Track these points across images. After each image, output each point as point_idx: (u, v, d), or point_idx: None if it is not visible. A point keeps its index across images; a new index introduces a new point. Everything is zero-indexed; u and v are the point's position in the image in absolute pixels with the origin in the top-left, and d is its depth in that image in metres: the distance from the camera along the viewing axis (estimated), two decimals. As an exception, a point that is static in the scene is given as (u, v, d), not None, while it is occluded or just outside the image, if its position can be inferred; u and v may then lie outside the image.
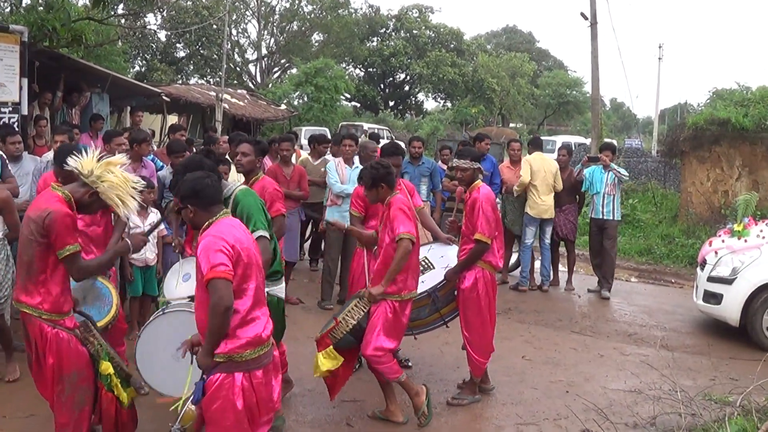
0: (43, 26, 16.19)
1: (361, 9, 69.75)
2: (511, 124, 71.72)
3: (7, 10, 22.35)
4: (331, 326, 7.43)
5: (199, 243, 5.29)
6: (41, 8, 17.62)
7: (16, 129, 12.22)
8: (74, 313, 6.15)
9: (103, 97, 19.43)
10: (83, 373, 5.87)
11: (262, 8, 65.22)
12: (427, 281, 8.51)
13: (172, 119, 27.35)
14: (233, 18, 59.90)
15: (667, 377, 8.82)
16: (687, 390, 8.35)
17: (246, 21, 66.72)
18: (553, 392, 8.94)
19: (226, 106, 30.09)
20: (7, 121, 12.53)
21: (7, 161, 9.49)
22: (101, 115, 16.71)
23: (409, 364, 9.49)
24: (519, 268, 14.93)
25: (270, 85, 60.40)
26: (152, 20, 52.63)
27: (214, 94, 30.43)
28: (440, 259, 8.88)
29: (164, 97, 24.00)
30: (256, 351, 5.29)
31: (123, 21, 29.76)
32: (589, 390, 9.01)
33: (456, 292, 8.49)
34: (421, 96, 76.69)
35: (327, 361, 7.29)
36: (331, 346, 7.35)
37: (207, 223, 5.40)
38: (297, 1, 65.14)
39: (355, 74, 70.84)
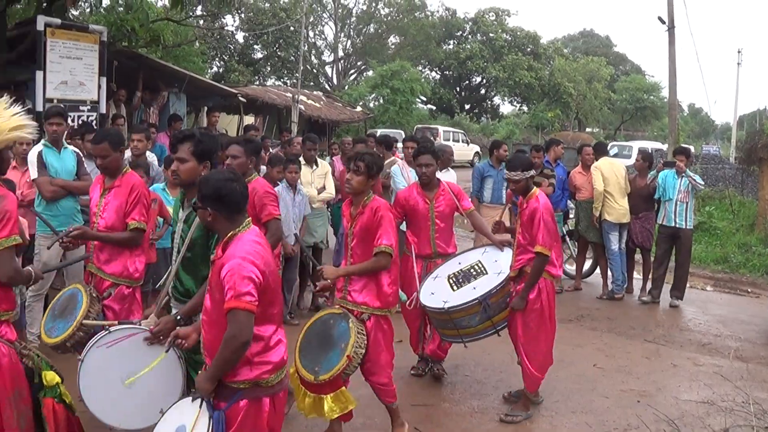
0: (122, 26, 16.50)
1: (438, 12, 69.76)
2: (588, 129, 70.99)
3: (88, 10, 22.72)
4: (343, 365, 6.55)
5: (224, 261, 4.80)
6: (121, 9, 17.90)
7: (95, 127, 12.45)
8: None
9: (181, 97, 19.68)
10: (23, 393, 5.33)
11: (339, 10, 65.56)
12: (479, 287, 8.18)
13: (249, 120, 27.57)
14: (310, 20, 60.31)
15: (741, 389, 8.66)
16: (761, 402, 8.17)
17: (323, 23, 67.23)
18: (624, 402, 8.80)
19: (302, 107, 30.24)
20: (85, 119, 12.74)
21: (83, 159, 9.64)
22: (179, 115, 16.93)
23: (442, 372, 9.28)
24: (591, 276, 14.82)
25: (346, 87, 60.69)
26: (230, 21, 53.22)
27: (290, 95, 30.60)
28: (494, 263, 8.50)
29: (241, 98, 24.19)
30: (278, 374, 4.97)
31: (201, 22, 30.12)
32: (661, 400, 8.86)
33: (508, 300, 8.12)
34: (497, 99, 76.28)
35: (337, 406, 6.69)
36: (343, 387, 6.79)
37: (230, 234, 4.92)
38: (374, 4, 65.44)
39: (431, 77, 70.72)
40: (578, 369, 9.82)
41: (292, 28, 52.31)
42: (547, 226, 7.75)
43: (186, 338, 5.30)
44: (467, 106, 73.18)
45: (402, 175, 11.81)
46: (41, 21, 12.31)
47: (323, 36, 68.29)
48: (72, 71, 12.73)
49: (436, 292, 8.29)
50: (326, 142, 26.56)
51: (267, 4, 56.20)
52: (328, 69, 68.75)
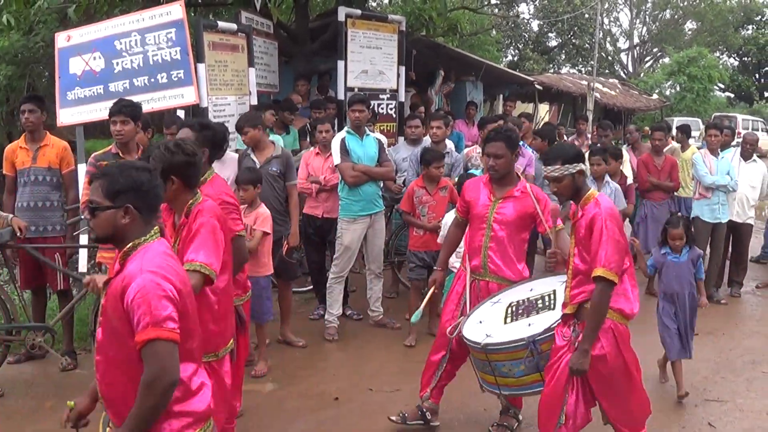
0: (420, 16, 16.75)
1: (736, -4, 67.23)
2: None
3: (386, 1, 23.29)
4: None
5: (126, 279, 3.68)
6: (418, -1, 18.25)
7: (394, 116, 12.80)
8: None
9: (477, 86, 19.88)
10: None
11: (635, -4, 64.53)
12: (535, 325, 6.05)
13: (543, 108, 27.56)
14: (605, 7, 59.52)
15: None
16: None
17: (618, 10, 66.52)
18: None
19: (598, 95, 29.85)
20: (384, 108, 13.02)
21: (384, 145, 9.90)
22: (475, 102, 17.08)
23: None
24: None
25: (642, 75, 59.60)
26: (525, 9, 53.32)
27: (585, 83, 30.30)
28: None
29: (537, 86, 24.17)
30: (204, 429, 3.94)
31: (496, 10, 30.30)
32: None
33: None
34: (798, 87, 72.52)
35: None
36: None
37: (133, 243, 3.79)
38: (670, -11, 63.88)
39: (728, 63, 68.16)
40: None
41: (586, 15, 51.85)
42: (613, 239, 5.39)
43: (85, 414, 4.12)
44: (767, 94, 69.94)
45: (704, 162, 11.40)
46: (342, 12, 12.62)
47: (618, 23, 67.79)
48: (372, 60, 13.01)
49: (486, 320, 6.39)
50: (621, 131, 26.16)
51: (561, -8, 55.96)
52: (623, 56, 67.95)
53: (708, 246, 11.56)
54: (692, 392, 7.56)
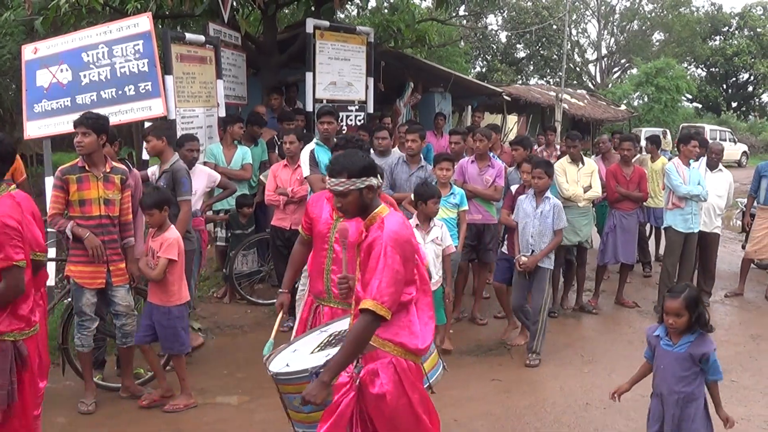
0: (389, 27, 16.77)
1: (703, 7, 67.85)
2: None
3: (354, 12, 23.33)
4: None
5: None
6: (386, 10, 18.24)
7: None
8: None
9: (446, 97, 19.87)
10: None
11: (603, 8, 64.95)
12: (331, 355, 5.03)
13: (512, 119, 27.61)
14: (573, 18, 59.88)
15: None
16: None
17: (586, 21, 67.01)
18: None
19: (566, 106, 30.00)
20: (353, 119, 13.02)
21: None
22: (444, 114, 17.07)
23: None
24: None
25: (609, 85, 59.96)
26: (493, 21, 53.52)
27: (553, 94, 30.42)
28: None
29: (506, 97, 24.19)
30: None
31: (465, 22, 30.39)
32: None
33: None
34: (765, 97, 72.92)
35: None
36: None
37: None
38: (637, 0, 64.52)
39: (696, 74, 68.73)
40: None
41: (554, 27, 52.14)
42: (391, 269, 4.61)
43: None
44: (734, 104, 70.46)
45: (677, 172, 11.40)
46: (310, 24, 12.63)
47: (586, 34, 68.06)
48: (340, 72, 13.03)
49: (299, 350, 5.59)
50: (590, 141, 26.31)
51: (529, 3, 56.45)
52: (591, 67, 68.38)
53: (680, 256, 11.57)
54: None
